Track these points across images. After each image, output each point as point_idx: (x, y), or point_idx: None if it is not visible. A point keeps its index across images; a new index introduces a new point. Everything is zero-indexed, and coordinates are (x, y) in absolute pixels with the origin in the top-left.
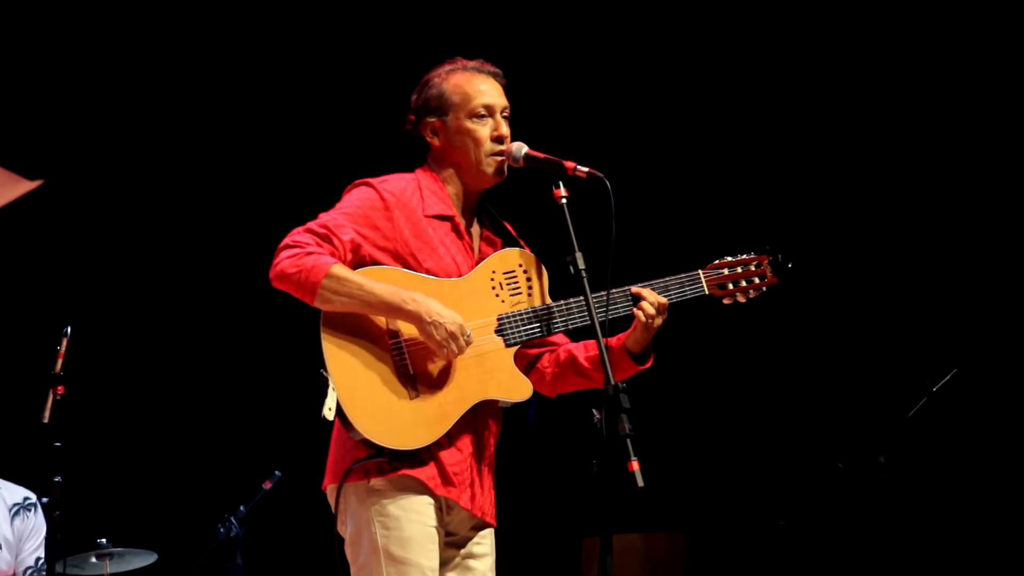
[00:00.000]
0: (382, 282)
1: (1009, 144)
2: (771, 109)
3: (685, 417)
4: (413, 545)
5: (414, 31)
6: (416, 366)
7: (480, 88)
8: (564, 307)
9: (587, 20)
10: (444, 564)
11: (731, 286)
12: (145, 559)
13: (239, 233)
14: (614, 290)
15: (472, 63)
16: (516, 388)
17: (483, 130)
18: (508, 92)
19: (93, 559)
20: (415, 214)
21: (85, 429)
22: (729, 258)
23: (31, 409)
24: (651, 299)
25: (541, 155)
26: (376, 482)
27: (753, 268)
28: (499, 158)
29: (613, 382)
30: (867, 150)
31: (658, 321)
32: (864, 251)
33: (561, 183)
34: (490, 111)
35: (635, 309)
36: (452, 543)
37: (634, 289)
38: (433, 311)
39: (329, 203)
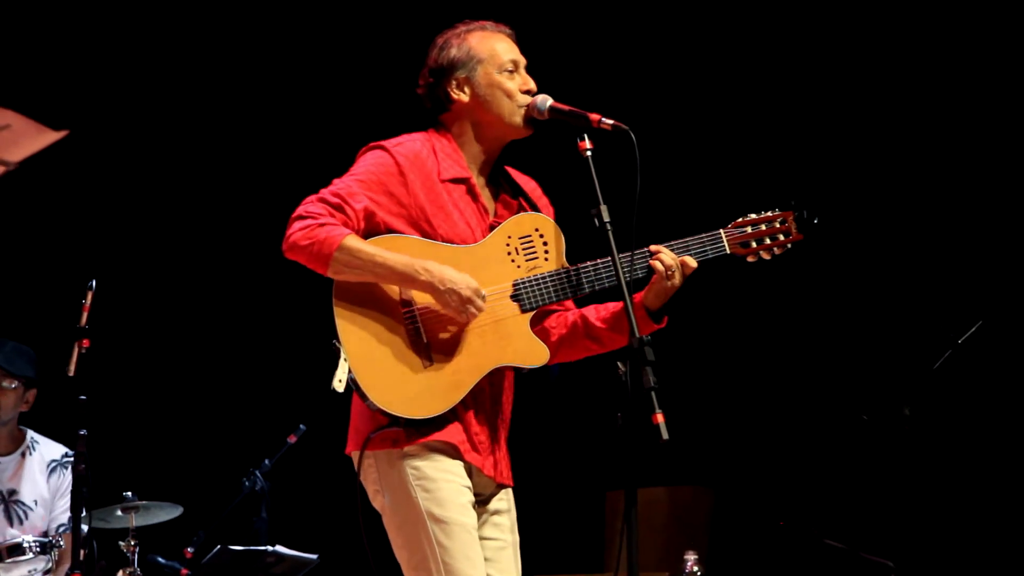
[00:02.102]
0: (395, 251)
1: None
2: (797, 63)
3: (710, 370)
4: (453, 505)
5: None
6: (430, 334)
7: (504, 44)
8: (581, 271)
9: None
10: None
11: (754, 244)
12: (170, 512)
13: (267, 185)
14: (638, 250)
15: (487, 23)
16: (533, 354)
17: (513, 83)
18: (525, 48)
19: (119, 512)
20: (430, 178)
21: (110, 382)
22: (752, 215)
23: (57, 363)
24: (669, 251)
25: (566, 107)
26: (409, 448)
27: (778, 225)
28: (528, 109)
29: (638, 335)
30: (890, 101)
31: (678, 276)
32: (891, 202)
33: (586, 135)
34: (516, 66)
35: (652, 260)
36: (479, 501)
37: (653, 248)
38: (447, 278)
39: (348, 161)
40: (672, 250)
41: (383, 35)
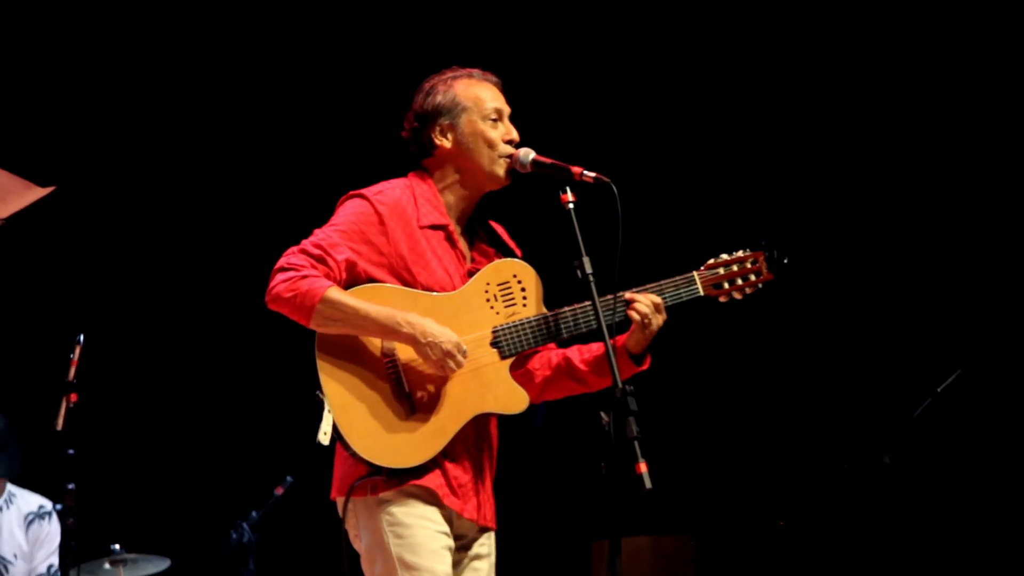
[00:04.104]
0: (377, 302)
1: (1014, 143)
2: (767, 106)
3: (692, 419)
4: (425, 551)
5: (406, 42)
6: (412, 384)
7: (489, 92)
8: (559, 316)
9: (582, 25)
10: (454, 566)
11: (727, 285)
12: (158, 565)
13: (250, 240)
14: (611, 296)
15: (474, 71)
16: (513, 401)
17: (495, 132)
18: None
19: (107, 565)
20: (409, 225)
21: (98, 436)
22: (724, 256)
23: (45, 417)
24: (644, 299)
25: (548, 160)
26: (385, 494)
27: (749, 265)
28: (509, 160)
29: (621, 385)
30: (869, 146)
31: (656, 320)
32: (869, 250)
33: (568, 188)
34: (500, 115)
35: (628, 310)
36: (460, 547)
37: (627, 295)
38: (428, 332)
39: (327, 210)
40: (645, 293)
41: (361, 86)
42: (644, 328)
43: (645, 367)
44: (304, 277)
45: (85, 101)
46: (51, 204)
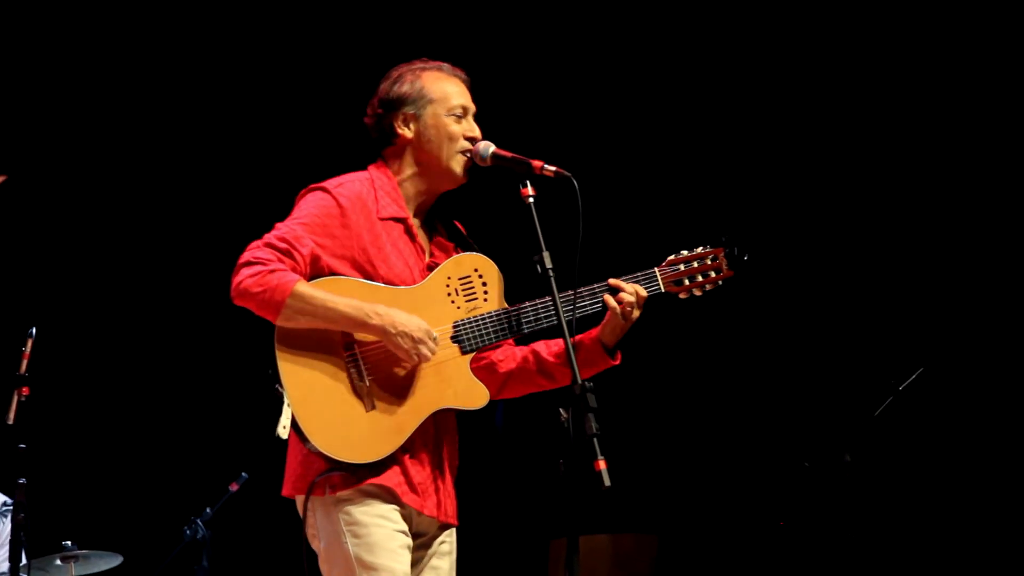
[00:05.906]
0: (342, 295)
1: (976, 141)
2: (728, 101)
3: (653, 416)
4: (383, 551)
5: (365, 35)
6: (371, 378)
7: (456, 88)
8: (520, 311)
9: (545, 20)
10: (413, 565)
11: (687, 282)
12: (110, 561)
13: (204, 234)
14: (571, 292)
15: (444, 64)
16: (473, 396)
17: (457, 128)
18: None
19: (58, 561)
20: (370, 218)
21: (50, 430)
22: (685, 252)
23: None
24: (630, 289)
25: (508, 154)
26: (343, 493)
27: (709, 262)
28: (467, 157)
29: (580, 381)
30: (830, 143)
31: (636, 313)
32: (831, 248)
33: (528, 182)
34: (465, 112)
35: (613, 298)
36: (420, 545)
37: (612, 281)
38: (397, 322)
39: (289, 202)
40: (606, 291)
41: (321, 79)
42: (625, 317)
43: (618, 362)
44: (272, 271)
45: (35, 92)
46: (2, 195)
